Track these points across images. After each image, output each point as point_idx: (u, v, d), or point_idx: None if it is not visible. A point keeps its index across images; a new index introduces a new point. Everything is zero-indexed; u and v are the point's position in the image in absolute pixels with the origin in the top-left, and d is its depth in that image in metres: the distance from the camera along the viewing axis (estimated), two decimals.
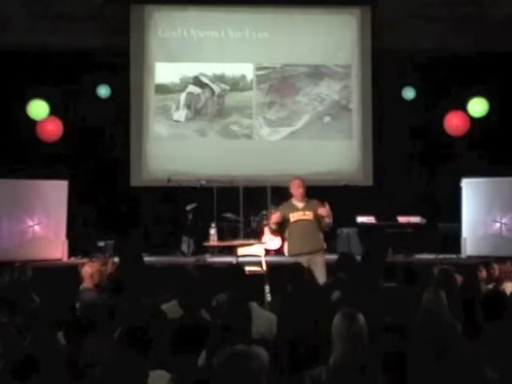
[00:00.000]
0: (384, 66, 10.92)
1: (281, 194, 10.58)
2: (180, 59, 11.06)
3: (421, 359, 3.52)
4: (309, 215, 7.32)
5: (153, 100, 10.98)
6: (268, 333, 4.43)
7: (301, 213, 7.33)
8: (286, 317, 4.48)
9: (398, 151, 10.96)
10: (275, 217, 7.35)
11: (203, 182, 10.25)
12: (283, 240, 7.51)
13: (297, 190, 7.48)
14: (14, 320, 4.50)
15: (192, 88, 11.04)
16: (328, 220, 7.30)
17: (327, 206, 7.29)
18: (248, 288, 4.94)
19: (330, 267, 6.94)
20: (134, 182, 10.87)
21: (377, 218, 9.78)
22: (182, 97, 11.01)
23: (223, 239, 9.62)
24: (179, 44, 11.03)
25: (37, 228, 9.58)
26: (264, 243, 9.21)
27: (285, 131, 11.08)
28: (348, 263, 6.13)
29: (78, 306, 5.12)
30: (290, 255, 7.39)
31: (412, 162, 11.13)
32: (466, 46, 10.90)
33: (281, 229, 7.47)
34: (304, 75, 11.12)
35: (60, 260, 9.53)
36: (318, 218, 7.33)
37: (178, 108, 11.01)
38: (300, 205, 7.40)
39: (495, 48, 10.80)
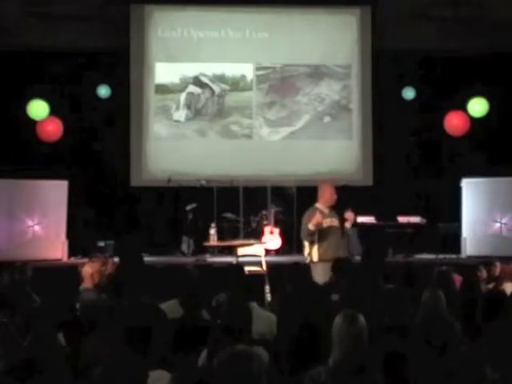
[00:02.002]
0: (384, 66, 10.92)
1: (280, 194, 10.69)
2: (180, 59, 11.06)
3: (421, 359, 3.52)
4: (336, 222, 7.23)
5: (153, 100, 10.98)
6: (268, 333, 4.43)
7: (329, 219, 7.19)
8: (286, 317, 4.48)
9: (397, 151, 10.96)
10: (318, 219, 7.02)
11: (203, 182, 10.25)
12: (312, 244, 7.14)
13: (333, 195, 7.33)
14: (14, 320, 4.50)
15: (192, 88, 11.04)
16: (349, 226, 7.28)
17: (352, 212, 7.34)
18: (248, 288, 4.94)
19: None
20: (134, 182, 10.87)
21: (377, 218, 9.77)
22: (182, 97, 11.01)
23: (223, 239, 9.63)
24: (179, 44, 11.03)
25: (37, 228, 9.58)
26: (264, 243, 9.23)
27: (285, 131, 11.08)
28: (344, 268, 6.10)
29: (77, 306, 5.12)
30: (320, 260, 7.04)
31: (412, 161, 11.13)
32: (466, 46, 10.90)
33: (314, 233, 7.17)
34: (304, 75, 11.12)
35: (60, 260, 9.52)
36: (341, 225, 7.30)
37: (178, 108, 11.01)
38: (326, 211, 7.25)
39: (495, 48, 10.79)
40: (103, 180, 10.85)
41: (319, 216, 7.05)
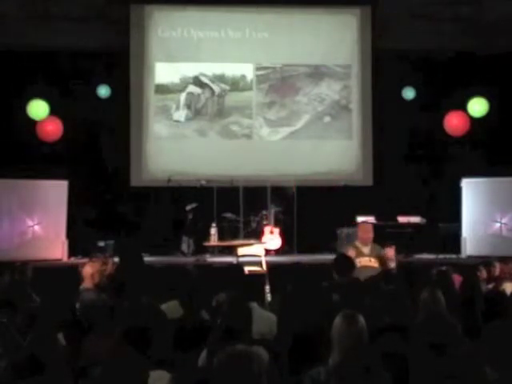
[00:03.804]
0: (384, 66, 10.91)
1: (280, 194, 10.69)
2: (180, 59, 11.06)
3: (421, 359, 3.52)
4: (374, 262, 6.89)
5: (153, 100, 10.98)
6: (268, 333, 4.43)
7: (367, 259, 6.89)
8: (286, 317, 4.48)
9: (397, 151, 10.96)
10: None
11: (203, 182, 10.25)
12: None
13: (367, 234, 7.10)
14: (14, 320, 4.50)
15: (192, 88, 11.04)
16: (392, 265, 6.86)
17: (394, 248, 6.98)
18: (248, 288, 4.94)
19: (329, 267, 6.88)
20: (134, 181, 10.87)
21: (377, 218, 9.78)
22: (182, 97, 11.02)
23: (223, 239, 9.63)
24: (179, 44, 11.03)
25: (37, 228, 9.58)
26: (264, 243, 9.22)
27: (285, 131, 11.08)
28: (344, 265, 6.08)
29: (78, 306, 5.12)
30: None
31: (412, 161, 11.11)
32: (466, 46, 10.91)
33: None
34: (304, 75, 11.13)
35: (60, 260, 9.52)
36: (382, 266, 6.86)
37: (177, 108, 11.01)
38: (366, 250, 7.00)
39: (495, 48, 10.79)
40: (103, 180, 10.85)
41: (351, 252, 6.79)
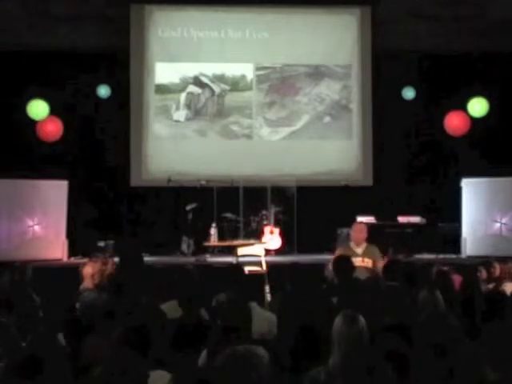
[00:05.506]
0: (384, 66, 10.92)
1: (281, 194, 10.69)
2: (180, 59, 11.06)
3: (421, 359, 3.51)
4: (368, 262, 6.80)
5: (153, 100, 10.98)
6: (268, 333, 4.43)
7: (359, 259, 6.77)
8: (286, 317, 4.48)
9: (397, 151, 10.96)
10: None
11: (203, 182, 10.25)
12: None
13: (359, 233, 7.01)
14: (14, 320, 4.50)
15: (192, 88, 11.04)
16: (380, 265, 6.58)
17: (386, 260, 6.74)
18: (248, 288, 4.94)
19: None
20: (134, 182, 10.87)
21: (377, 218, 9.79)
22: (182, 97, 11.02)
23: (223, 239, 9.63)
24: (179, 44, 11.03)
25: (37, 228, 9.57)
26: (264, 243, 9.22)
27: (285, 131, 11.08)
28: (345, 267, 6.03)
29: (78, 306, 5.12)
30: None
31: (412, 161, 11.12)
32: (466, 46, 10.91)
33: None
34: (304, 75, 11.13)
35: (60, 260, 9.52)
36: (376, 266, 6.75)
37: (178, 108, 11.01)
38: (359, 250, 6.91)
39: (495, 48, 10.80)
40: (103, 180, 10.85)
41: (340, 253, 6.65)
